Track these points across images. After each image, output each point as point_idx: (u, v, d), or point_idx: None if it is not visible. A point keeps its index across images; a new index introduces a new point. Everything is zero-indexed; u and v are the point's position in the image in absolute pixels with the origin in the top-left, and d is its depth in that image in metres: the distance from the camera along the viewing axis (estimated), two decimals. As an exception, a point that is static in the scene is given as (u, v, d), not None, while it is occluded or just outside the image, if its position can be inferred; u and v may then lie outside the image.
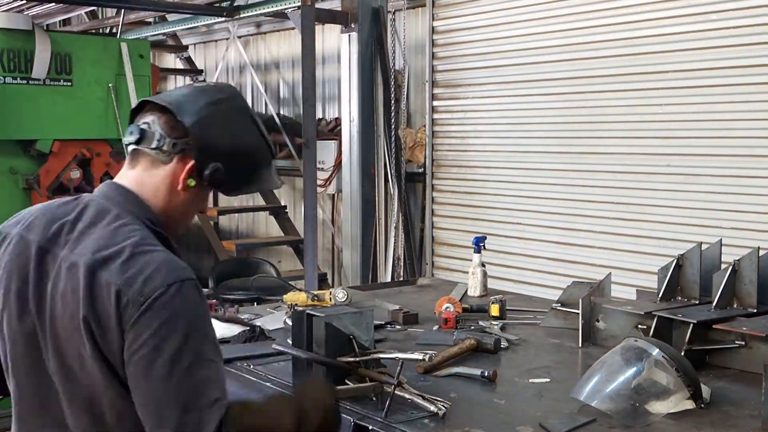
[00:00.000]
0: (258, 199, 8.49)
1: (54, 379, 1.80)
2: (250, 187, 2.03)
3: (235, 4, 7.47)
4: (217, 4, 7.56)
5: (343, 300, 3.41)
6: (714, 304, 2.99)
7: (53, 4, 7.19)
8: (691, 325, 2.82)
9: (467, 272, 4.02)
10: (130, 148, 1.90)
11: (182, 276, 1.72)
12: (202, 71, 9.38)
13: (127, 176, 1.91)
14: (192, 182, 1.88)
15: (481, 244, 3.98)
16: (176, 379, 1.65)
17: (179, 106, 1.88)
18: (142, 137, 1.87)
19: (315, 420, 1.86)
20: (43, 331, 1.79)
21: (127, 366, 1.68)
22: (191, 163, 1.87)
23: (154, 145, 1.87)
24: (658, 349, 2.44)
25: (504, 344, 3.07)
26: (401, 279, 6.46)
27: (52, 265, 1.79)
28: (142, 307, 1.66)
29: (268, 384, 2.71)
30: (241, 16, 7.47)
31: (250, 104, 2.41)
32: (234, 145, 1.92)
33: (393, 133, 6.81)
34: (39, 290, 1.80)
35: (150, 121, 1.88)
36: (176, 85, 10.17)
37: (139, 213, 1.84)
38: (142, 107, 1.93)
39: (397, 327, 3.38)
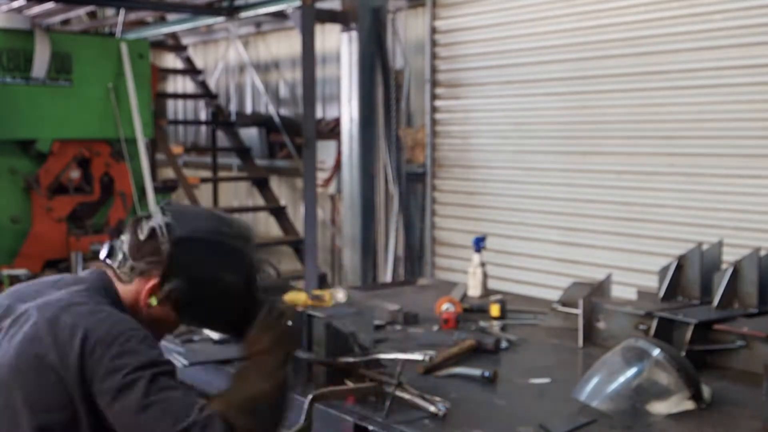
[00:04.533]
0: (258, 199, 8.49)
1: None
2: (213, 326, 2.10)
3: (235, 4, 7.47)
4: (217, 4, 7.56)
5: (343, 300, 3.41)
6: (715, 304, 2.99)
7: (53, 3, 7.18)
8: (692, 325, 2.82)
9: (467, 272, 4.02)
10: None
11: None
12: (201, 71, 9.37)
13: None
14: (154, 301, 1.90)
15: (482, 244, 3.98)
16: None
17: (181, 217, 1.92)
18: (110, 254, 1.95)
19: (268, 341, 1.91)
20: None
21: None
22: (154, 281, 1.89)
23: (116, 265, 1.92)
24: (658, 350, 2.43)
25: (504, 344, 3.06)
26: (401, 279, 6.45)
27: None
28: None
29: (267, 384, 2.70)
30: (241, 16, 7.47)
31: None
32: (212, 278, 1.90)
33: (393, 133, 6.81)
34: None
35: (123, 239, 1.94)
36: (176, 85, 10.18)
37: (105, 297, 1.88)
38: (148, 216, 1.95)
39: (397, 327, 3.37)
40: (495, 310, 3.48)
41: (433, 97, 6.68)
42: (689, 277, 3.15)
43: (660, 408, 2.35)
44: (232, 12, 7.44)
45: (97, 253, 2.14)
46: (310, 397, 2.28)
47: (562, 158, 5.71)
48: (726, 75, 4.78)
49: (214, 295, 1.92)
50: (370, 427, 2.30)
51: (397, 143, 6.81)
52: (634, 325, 3.00)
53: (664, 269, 3.20)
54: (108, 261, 1.94)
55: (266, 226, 8.66)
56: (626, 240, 5.32)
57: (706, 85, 4.88)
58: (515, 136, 6.06)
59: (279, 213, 8.18)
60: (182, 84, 10.06)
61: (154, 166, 7.31)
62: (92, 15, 9.49)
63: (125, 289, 1.91)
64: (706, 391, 2.45)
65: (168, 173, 8.45)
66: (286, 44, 8.42)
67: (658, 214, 5.15)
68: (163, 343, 2.37)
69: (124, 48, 6.33)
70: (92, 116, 6.24)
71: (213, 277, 1.91)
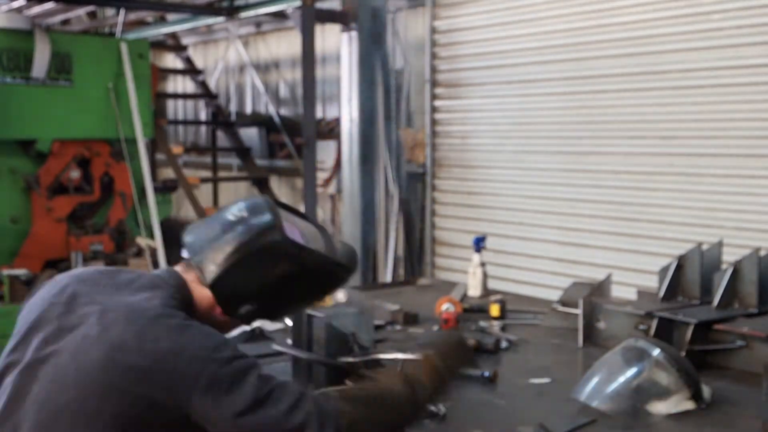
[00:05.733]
0: (258, 199, 8.48)
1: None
2: (303, 305, 2.15)
3: (235, 4, 7.46)
4: (217, 4, 7.56)
5: (343, 300, 3.41)
6: (715, 304, 2.99)
7: (53, 3, 7.18)
8: (692, 325, 2.82)
9: (467, 272, 4.02)
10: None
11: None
12: (201, 71, 9.37)
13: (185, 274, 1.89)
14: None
15: (482, 244, 3.98)
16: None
17: (201, 261, 1.85)
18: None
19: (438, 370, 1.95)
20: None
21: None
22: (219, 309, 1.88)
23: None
24: (658, 350, 2.43)
25: (504, 344, 3.06)
26: (401, 279, 6.45)
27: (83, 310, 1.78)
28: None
29: (267, 384, 2.70)
30: (241, 16, 7.46)
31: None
32: (262, 286, 1.87)
33: (393, 133, 6.81)
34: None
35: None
36: (176, 85, 10.18)
37: (182, 303, 1.82)
38: None
39: (397, 327, 3.37)
40: (495, 310, 3.48)
41: (433, 97, 6.68)
42: (689, 277, 3.15)
43: (660, 408, 2.35)
44: (232, 12, 7.44)
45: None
46: (310, 397, 2.28)
47: (562, 158, 5.71)
48: (726, 75, 4.78)
49: (278, 293, 1.90)
50: (371, 427, 2.30)
51: (397, 143, 6.81)
52: (634, 325, 2.99)
53: (664, 269, 3.19)
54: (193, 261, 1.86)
55: (266, 226, 8.65)
56: (626, 240, 5.32)
57: (706, 85, 4.88)
58: (515, 136, 6.06)
59: (279, 213, 8.17)
60: (182, 84, 10.06)
61: (154, 166, 7.32)
62: (92, 15, 9.49)
63: (202, 295, 1.85)
64: (706, 391, 2.45)
65: (168, 173, 8.45)
66: (286, 44, 8.42)
67: (658, 214, 5.15)
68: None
69: (124, 48, 6.33)
70: (92, 116, 6.24)
71: (266, 285, 1.88)
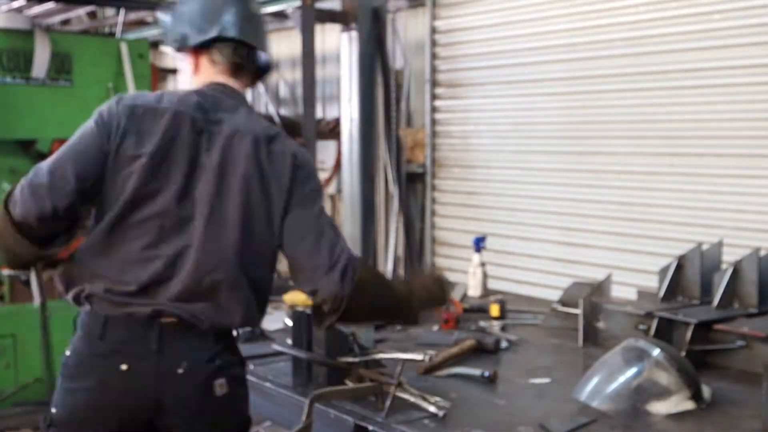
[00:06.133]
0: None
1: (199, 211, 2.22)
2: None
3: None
4: (217, 4, 7.53)
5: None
6: (715, 304, 2.99)
7: (53, 3, 7.18)
8: (692, 325, 2.82)
9: (467, 272, 4.02)
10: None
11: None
12: (202, 71, 9.35)
13: (232, 82, 2.40)
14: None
15: (482, 244, 3.98)
16: (327, 218, 2.31)
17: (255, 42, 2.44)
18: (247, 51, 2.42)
19: (422, 296, 2.49)
20: (192, 185, 2.21)
21: (290, 210, 2.25)
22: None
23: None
24: (658, 350, 2.43)
25: (504, 344, 3.06)
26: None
27: (210, 134, 2.24)
28: (306, 171, 2.30)
29: (267, 384, 2.70)
30: (241, 16, 7.44)
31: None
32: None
33: (393, 133, 6.81)
34: (194, 152, 2.22)
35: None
36: (176, 85, 10.17)
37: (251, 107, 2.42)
38: None
39: (397, 327, 3.37)
40: (495, 310, 3.49)
41: (433, 97, 6.68)
42: (689, 277, 3.16)
43: (660, 408, 2.35)
44: (232, 12, 7.42)
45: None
46: (310, 397, 2.28)
47: (562, 158, 5.70)
48: (726, 75, 4.78)
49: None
50: (370, 427, 2.30)
51: (397, 143, 6.81)
52: (634, 325, 3.00)
53: (664, 269, 3.20)
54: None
55: (266, 226, 8.66)
56: (626, 240, 5.32)
57: (706, 85, 4.88)
58: (515, 136, 6.05)
59: (279, 213, 8.17)
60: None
61: (154, 166, 7.30)
62: (92, 15, 9.48)
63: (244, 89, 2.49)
64: (706, 391, 2.46)
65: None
66: (286, 44, 8.41)
67: (658, 214, 5.15)
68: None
69: (124, 48, 6.32)
70: (92, 116, 6.24)
71: None
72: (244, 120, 2.28)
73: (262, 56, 2.45)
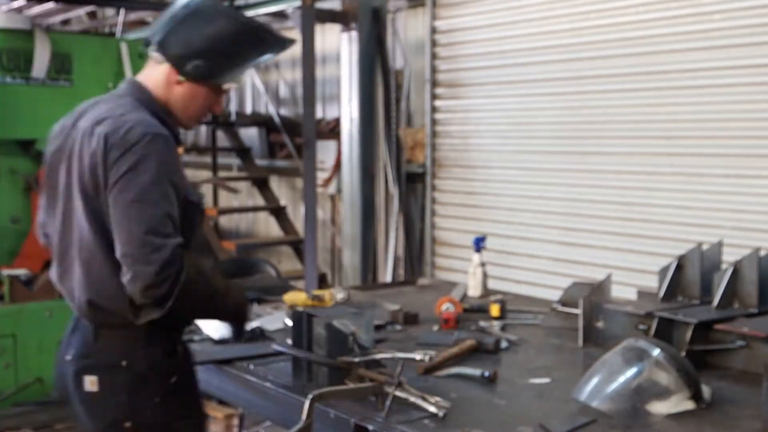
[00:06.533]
0: (258, 199, 8.49)
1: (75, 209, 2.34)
2: (242, 68, 2.48)
3: (235, 3, 7.46)
4: (217, 4, 7.53)
5: (343, 300, 3.41)
6: (715, 304, 2.99)
7: (53, 3, 7.18)
8: (692, 325, 2.82)
9: (467, 272, 4.02)
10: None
11: (156, 131, 2.27)
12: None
13: (142, 73, 2.46)
14: (181, 78, 2.39)
15: (482, 244, 3.98)
16: (145, 205, 2.18)
17: (151, 32, 2.42)
18: (147, 44, 2.43)
19: (231, 302, 2.55)
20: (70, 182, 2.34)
21: (108, 195, 2.22)
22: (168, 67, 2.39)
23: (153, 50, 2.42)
24: (658, 350, 2.43)
25: (504, 344, 3.06)
26: (401, 279, 6.45)
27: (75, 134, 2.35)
28: (122, 149, 2.22)
29: (267, 384, 2.70)
30: (241, 16, 7.44)
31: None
32: (205, 43, 2.36)
33: (393, 133, 6.81)
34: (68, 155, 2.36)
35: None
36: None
37: (141, 97, 2.37)
38: None
39: (397, 327, 3.37)
40: (495, 310, 3.48)
41: (433, 97, 6.68)
42: (689, 277, 3.15)
43: (660, 408, 2.35)
44: (232, 12, 7.42)
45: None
46: (310, 397, 2.28)
47: (562, 158, 5.70)
48: (726, 75, 4.78)
49: (223, 49, 2.39)
50: (370, 427, 2.30)
51: (397, 143, 6.81)
52: (634, 325, 3.00)
53: (664, 269, 3.20)
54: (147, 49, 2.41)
55: (266, 226, 8.66)
56: (626, 240, 5.32)
57: (706, 85, 4.88)
58: (515, 136, 6.05)
59: (279, 213, 8.18)
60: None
61: (154, 166, 7.29)
62: (92, 15, 9.48)
63: (158, 75, 2.40)
64: (706, 391, 2.45)
65: (168, 173, 8.42)
66: (286, 44, 8.41)
67: (658, 214, 5.15)
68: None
69: (124, 48, 6.32)
70: (92, 116, 6.23)
71: (208, 40, 2.37)
72: (101, 111, 2.36)
73: (155, 38, 2.42)
